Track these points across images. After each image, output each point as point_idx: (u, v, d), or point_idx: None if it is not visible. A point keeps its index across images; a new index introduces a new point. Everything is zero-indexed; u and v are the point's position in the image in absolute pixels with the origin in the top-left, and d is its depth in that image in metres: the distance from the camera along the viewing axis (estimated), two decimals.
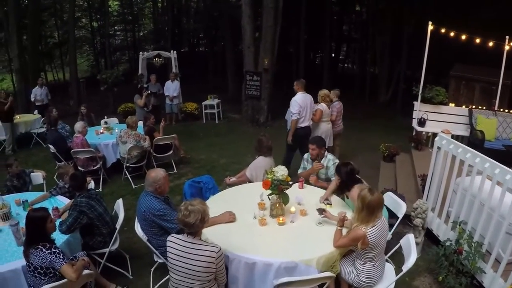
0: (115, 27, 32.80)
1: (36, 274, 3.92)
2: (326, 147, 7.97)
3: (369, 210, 3.93)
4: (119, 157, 9.00)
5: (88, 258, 4.60)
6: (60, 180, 6.54)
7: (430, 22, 8.93)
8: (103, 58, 31.99)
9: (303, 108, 8.26)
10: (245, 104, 15.18)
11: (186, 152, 10.59)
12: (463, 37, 8.75)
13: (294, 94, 8.51)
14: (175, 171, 9.49)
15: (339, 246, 4.14)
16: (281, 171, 4.67)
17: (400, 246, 4.51)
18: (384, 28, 20.89)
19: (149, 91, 13.16)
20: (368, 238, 3.90)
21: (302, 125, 8.41)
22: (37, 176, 7.00)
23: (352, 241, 4.00)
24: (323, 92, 8.98)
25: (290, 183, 4.81)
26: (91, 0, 29.09)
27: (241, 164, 9.72)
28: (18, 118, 12.55)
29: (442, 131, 8.30)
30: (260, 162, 6.43)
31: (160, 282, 5.11)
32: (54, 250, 3.94)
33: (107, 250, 5.12)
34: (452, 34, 8.81)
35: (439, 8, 17.89)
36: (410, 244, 4.21)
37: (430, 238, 6.14)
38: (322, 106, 8.76)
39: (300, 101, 8.24)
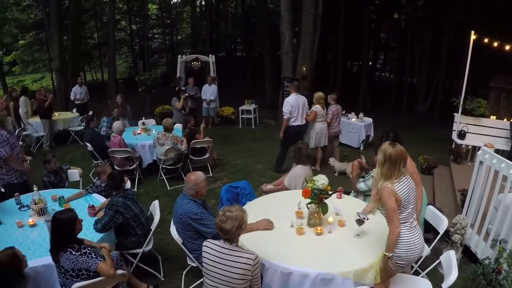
0: (154, 30, 33.20)
1: (67, 277, 3.90)
2: (322, 145, 9.82)
3: (391, 163, 3.70)
4: (156, 158, 9.04)
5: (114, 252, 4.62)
6: (97, 178, 6.58)
7: (472, 32, 8.67)
8: (141, 60, 32.49)
9: (294, 108, 9.16)
10: (282, 110, 15.00)
11: (219, 154, 10.61)
12: (507, 47, 8.47)
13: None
14: (211, 174, 9.45)
15: (395, 224, 3.71)
16: (322, 180, 4.56)
17: (439, 262, 4.34)
18: (423, 36, 20.54)
19: (186, 94, 13.22)
20: (398, 193, 3.67)
21: (295, 123, 9.31)
22: (74, 173, 7.06)
23: (389, 201, 3.67)
24: (318, 94, 9.70)
25: (330, 192, 4.70)
26: (131, 3, 29.50)
27: None
28: (56, 115, 12.87)
29: (485, 145, 8.06)
30: (299, 171, 6.27)
31: (192, 286, 5.06)
32: (84, 250, 3.91)
33: (140, 250, 5.11)
34: (495, 44, 8.56)
35: (480, 17, 17.48)
36: (451, 261, 4.03)
37: (467, 255, 5.91)
38: (317, 107, 9.49)
39: (292, 102, 9.16)
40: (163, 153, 8.50)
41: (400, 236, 3.74)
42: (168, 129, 8.75)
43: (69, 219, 3.96)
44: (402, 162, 3.75)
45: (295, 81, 14.05)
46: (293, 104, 9.15)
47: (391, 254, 3.75)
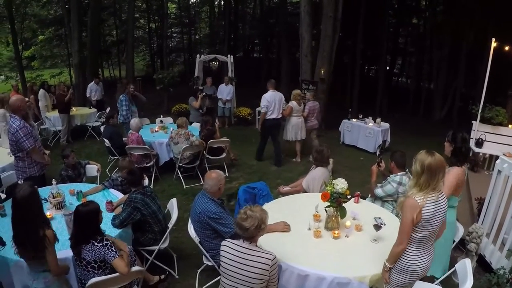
0: (172, 29, 33.31)
1: (89, 269, 3.91)
2: (300, 139, 10.69)
3: (431, 173, 3.31)
4: (172, 156, 9.07)
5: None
6: (114, 172, 6.59)
7: (493, 39, 8.56)
8: (159, 58, 32.71)
9: (270, 103, 9.94)
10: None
11: (236, 154, 10.65)
12: None
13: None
14: (227, 174, 9.38)
15: (401, 239, 3.49)
16: (341, 184, 4.54)
17: (454, 271, 4.27)
18: (442, 42, 20.32)
19: (204, 93, 13.25)
20: (423, 211, 3.31)
21: (271, 117, 10.09)
22: (92, 168, 7.10)
23: (407, 213, 3.34)
24: (295, 91, 10.65)
25: (349, 196, 4.68)
26: (150, 2, 29.67)
27: (292, 172, 9.76)
28: (74, 110, 12.94)
29: (504, 154, 7.96)
30: (319, 174, 6.23)
31: (206, 285, 5.07)
32: (106, 242, 3.92)
33: (156, 247, 5.12)
34: None
35: (500, 23, 17.27)
36: (466, 269, 3.97)
37: (481, 264, 5.85)
38: (293, 103, 10.37)
39: (268, 98, 9.96)
40: (180, 151, 8.55)
41: (406, 255, 3.56)
42: (181, 126, 8.82)
43: (93, 212, 3.96)
44: (442, 172, 3.42)
45: (311, 83, 14.13)
46: (269, 100, 9.92)
47: (389, 266, 3.66)
